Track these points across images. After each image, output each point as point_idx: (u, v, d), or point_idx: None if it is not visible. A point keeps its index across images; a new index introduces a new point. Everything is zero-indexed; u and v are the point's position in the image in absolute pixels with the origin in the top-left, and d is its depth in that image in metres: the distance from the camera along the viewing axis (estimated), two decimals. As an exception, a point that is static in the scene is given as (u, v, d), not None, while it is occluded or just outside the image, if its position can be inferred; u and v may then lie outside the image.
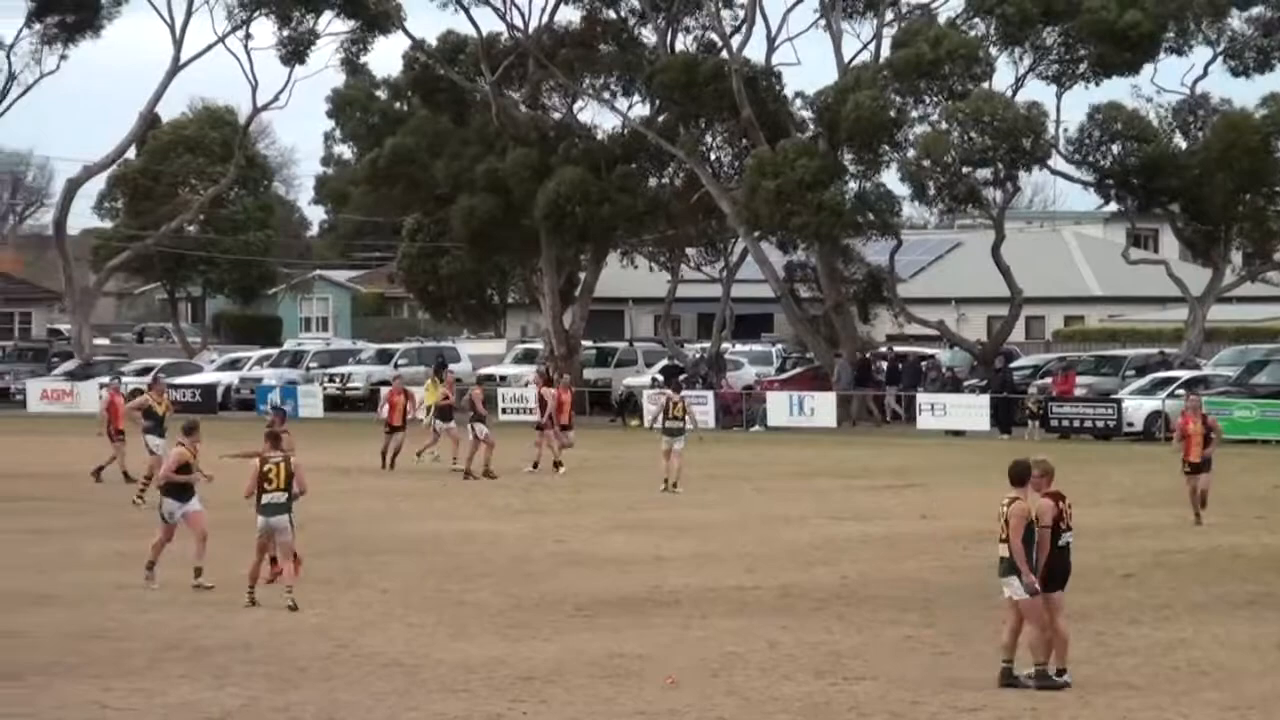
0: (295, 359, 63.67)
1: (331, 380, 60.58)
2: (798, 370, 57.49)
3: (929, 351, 57.51)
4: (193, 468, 21.52)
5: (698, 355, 59.78)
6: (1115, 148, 53.17)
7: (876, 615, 19.57)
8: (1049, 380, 50.27)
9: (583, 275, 62.91)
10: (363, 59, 62.44)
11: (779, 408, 51.79)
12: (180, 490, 21.50)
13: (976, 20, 52.74)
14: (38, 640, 18.21)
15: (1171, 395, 46.25)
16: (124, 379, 44.45)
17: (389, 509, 30.12)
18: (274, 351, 66.84)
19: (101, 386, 40.73)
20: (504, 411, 54.36)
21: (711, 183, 56.67)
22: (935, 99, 51.93)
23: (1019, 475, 15.88)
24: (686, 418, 33.07)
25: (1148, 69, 53.13)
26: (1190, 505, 27.24)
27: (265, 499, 20.03)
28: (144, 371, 62.38)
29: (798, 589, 21.48)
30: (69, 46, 64.59)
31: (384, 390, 42.15)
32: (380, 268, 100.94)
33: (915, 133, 52.59)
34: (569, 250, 61.10)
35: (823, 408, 51.44)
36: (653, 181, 60.81)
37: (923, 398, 50.76)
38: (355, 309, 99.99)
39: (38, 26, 64.35)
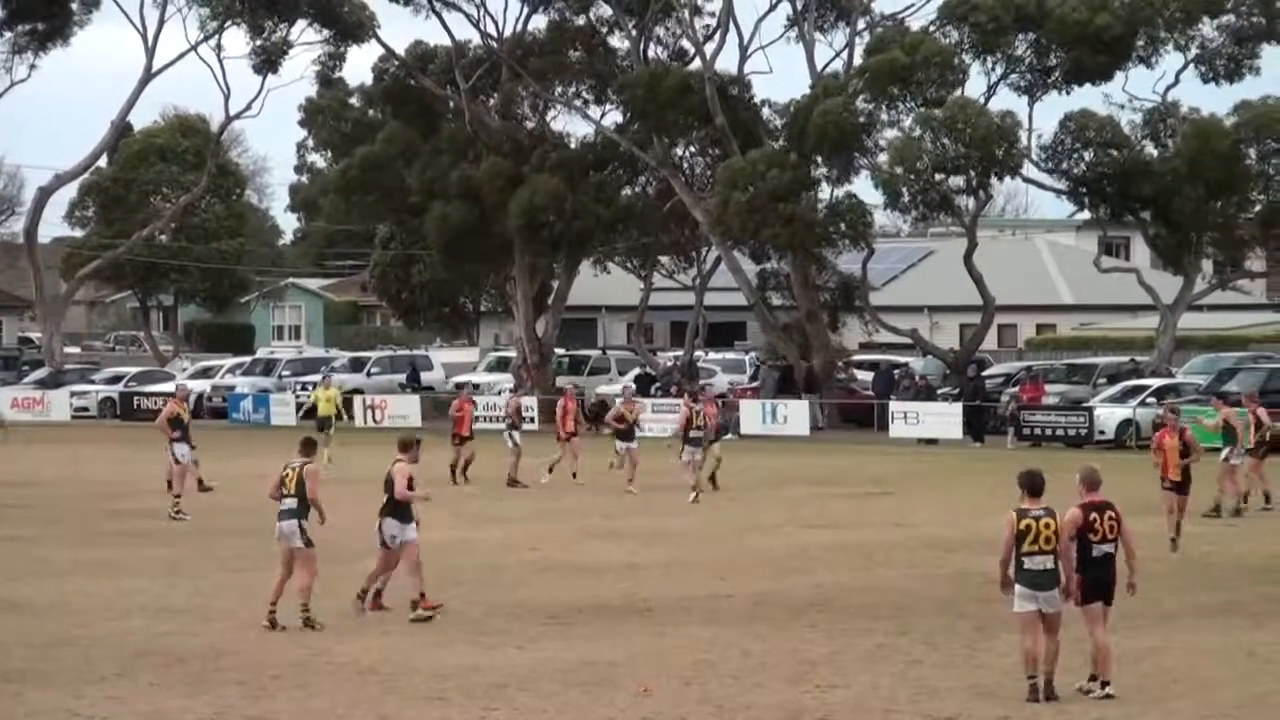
0: (268, 367, 63.54)
1: (304, 389, 60.46)
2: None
3: (902, 360, 57.62)
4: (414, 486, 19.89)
5: (670, 363, 59.81)
6: (1087, 155, 53.36)
7: (850, 623, 19.59)
8: (1018, 389, 50.39)
9: (555, 283, 62.91)
10: (338, 73, 62.34)
11: (752, 416, 51.81)
12: (405, 511, 19.78)
13: (949, 28, 52.87)
14: (7, 648, 18.13)
15: (1143, 404, 46.41)
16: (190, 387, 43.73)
17: (362, 518, 30.02)
18: (246, 360, 66.71)
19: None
20: (476, 420, 54.21)
21: (685, 191, 56.73)
22: (908, 106, 52.04)
23: (1035, 486, 15.66)
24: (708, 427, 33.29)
25: (1119, 77, 53.40)
26: (1166, 520, 25.48)
27: (283, 504, 19.72)
28: (115, 380, 62.35)
29: (771, 597, 21.49)
30: (40, 55, 64.45)
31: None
32: (353, 276, 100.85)
33: (886, 138, 52.74)
34: (542, 258, 61.10)
35: (796, 416, 51.49)
36: (626, 189, 60.87)
37: (895, 406, 50.82)
38: (328, 317, 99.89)
39: (8, 35, 64.18)
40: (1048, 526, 15.39)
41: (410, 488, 19.67)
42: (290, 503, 19.70)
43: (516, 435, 36.20)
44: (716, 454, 33.65)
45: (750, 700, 15.76)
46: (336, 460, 38.10)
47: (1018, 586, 15.46)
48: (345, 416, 45.58)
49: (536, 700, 15.77)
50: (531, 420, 50.17)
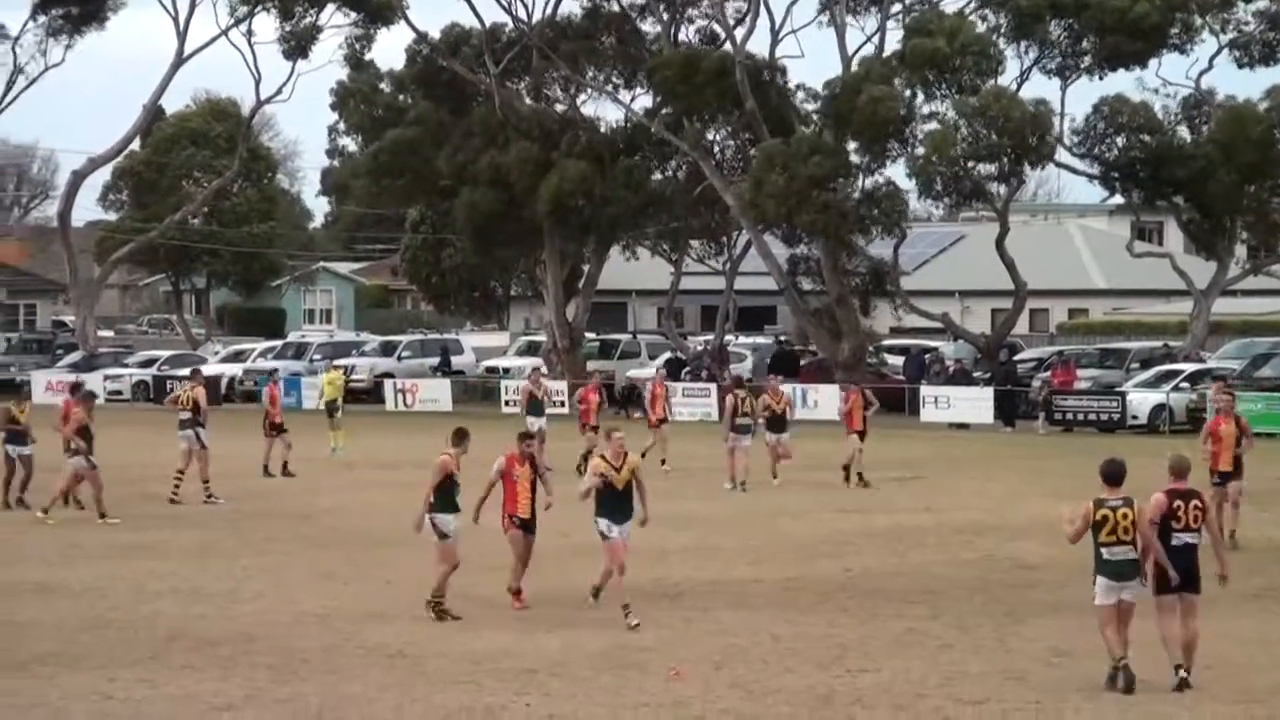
0: (299, 351, 63.68)
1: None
2: (803, 363, 57.50)
3: (933, 344, 57.51)
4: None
5: (701, 347, 59.78)
6: (1120, 140, 53.18)
7: (880, 608, 19.56)
8: (1050, 373, 50.28)
9: (586, 267, 62.90)
10: (367, 55, 62.42)
11: (782, 401, 51.65)
12: (451, 503, 19.17)
13: (986, 12, 52.79)
14: (41, 631, 18.23)
15: (1176, 389, 46.25)
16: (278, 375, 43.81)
17: (393, 501, 30.09)
18: (278, 343, 66.87)
19: (267, 378, 40.70)
20: (506, 404, 54.39)
21: (715, 175, 56.64)
22: (945, 93, 51.96)
23: (1112, 474, 15.43)
24: (754, 415, 32.62)
25: (1152, 62, 53.21)
26: (1221, 516, 22.89)
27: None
28: (148, 364, 62.58)
29: (801, 582, 21.48)
30: (74, 39, 64.65)
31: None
32: (383, 260, 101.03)
33: (923, 129, 52.65)
34: (572, 243, 61.10)
35: (826, 400, 51.38)
36: (656, 174, 60.81)
37: (926, 390, 50.74)
38: (359, 301, 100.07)
39: (43, 19, 64.36)
40: (1125, 517, 15.18)
41: (452, 481, 19.04)
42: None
43: (534, 420, 35.07)
44: (858, 445, 32.30)
45: (780, 684, 15.76)
46: (344, 444, 38.25)
47: (1100, 578, 15.31)
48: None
49: (567, 685, 15.79)
50: (561, 405, 50.18)
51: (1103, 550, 15.27)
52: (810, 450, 36.55)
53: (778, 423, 32.91)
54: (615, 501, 18.47)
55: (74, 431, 27.48)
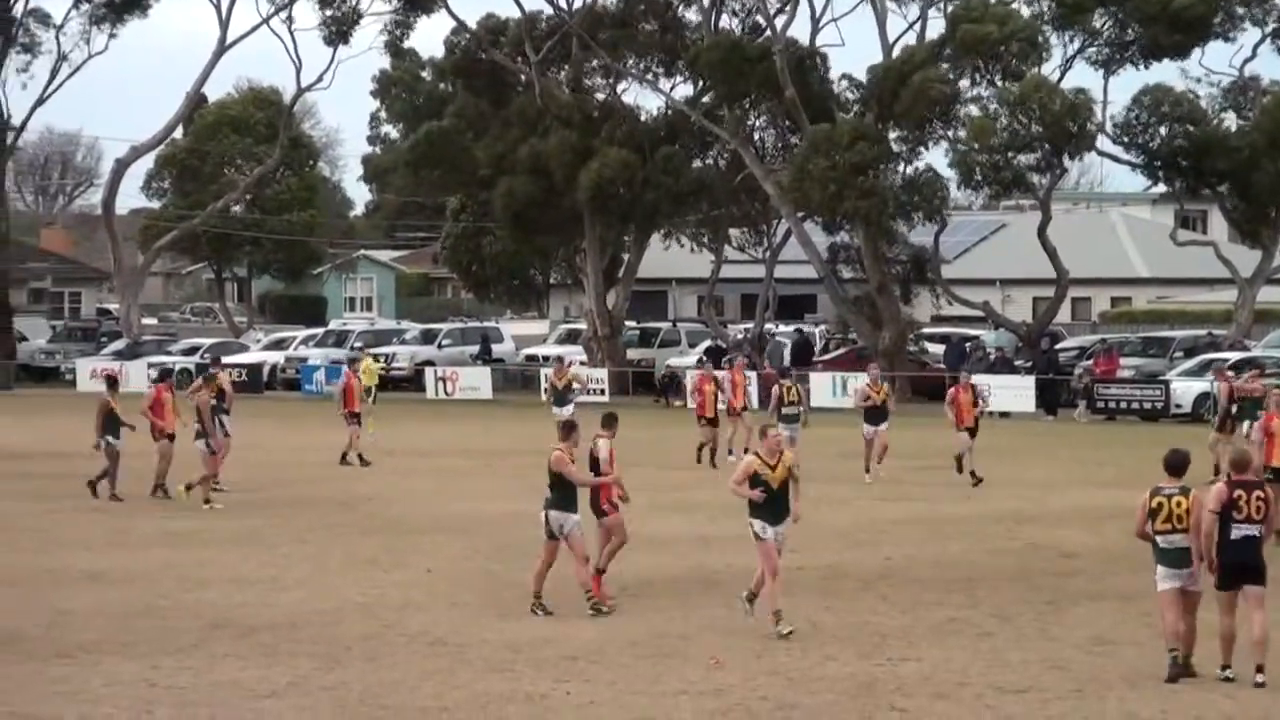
0: (340, 339, 63.91)
1: (376, 360, 60.80)
2: (840, 351, 57.45)
3: (973, 333, 57.38)
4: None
5: (741, 336, 59.76)
6: (1163, 130, 52.96)
7: (920, 596, 19.55)
8: (1092, 362, 50.11)
9: (626, 256, 62.95)
10: (406, 42, 62.58)
11: (821, 389, 51.67)
12: (570, 500, 18.42)
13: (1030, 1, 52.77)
14: (86, 618, 18.36)
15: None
16: (361, 357, 43.20)
17: (434, 489, 30.22)
18: (319, 331, 67.10)
19: (350, 362, 39.72)
20: (545, 392, 54.47)
21: (755, 164, 56.58)
22: (989, 79, 51.89)
23: (1172, 464, 15.23)
24: (801, 403, 32.32)
25: (1195, 52, 52.97)
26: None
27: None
28: (191, 351, 62.87)
29: (841, 570, 21.48)
30: (117, 26, 64.95)
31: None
32: (424, 248, 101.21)
33: (964, 114, 52.54)
34: (612, 231, 61.14)
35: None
36: (696, 162, 60.79)
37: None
38: (399, 289, 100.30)
39: (86, 6, 64.70)
40: (1179, 505, 15.05)
41: (601, 473, 18.68)
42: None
43: (562, 409, 34.77)
44: (969, 443, 30.99)
45: (821, 672, 15.77)
46: (372, 430, 38.35)
47: (1159, 566, 15.24)
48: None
49: (607, 672, 15.83)
50: (602, 392, 50.25)
51: (1159, 538, 15.21)
52: (849, 437, 36.48)
53: (877, 413, 31.89)
54: (771, 501, 17.46)
55: (201, 413, 27.51)
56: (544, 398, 36.81)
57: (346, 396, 33.99)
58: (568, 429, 18.82)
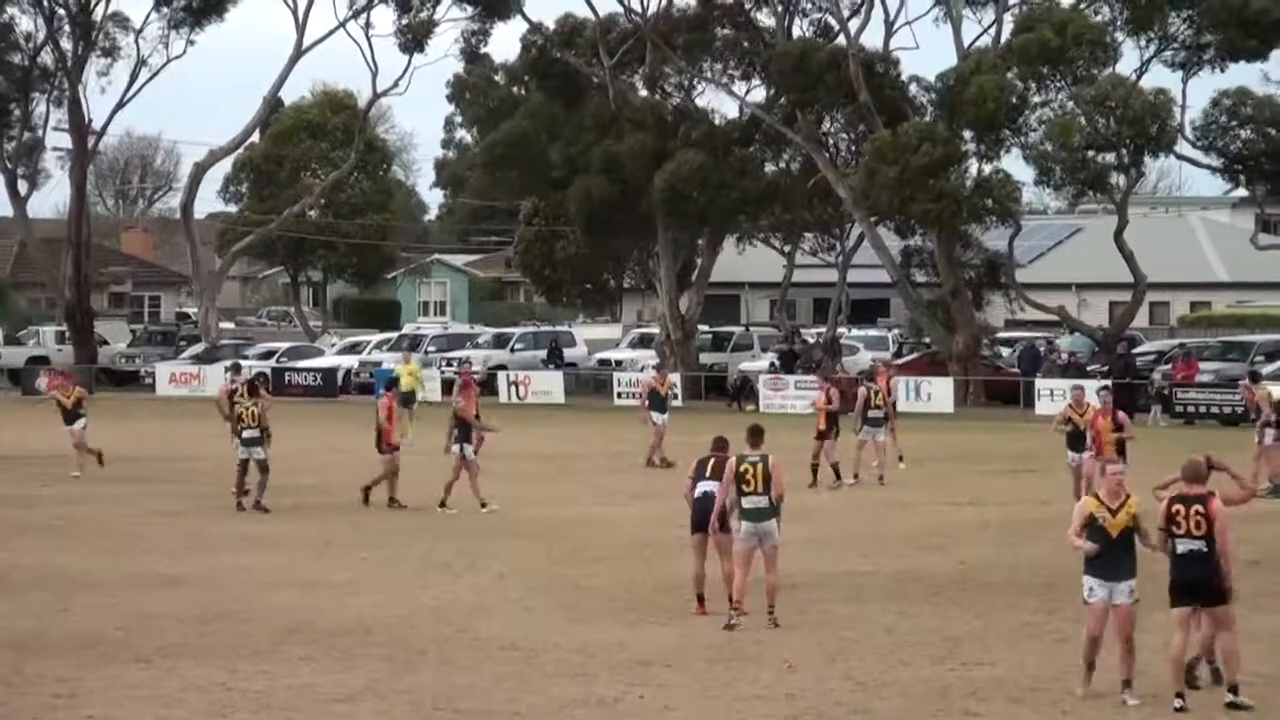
0: (414, 343, 64.18)
1: (449, 364, 61.03)
2: (914, 355, 57.22)
3: (1041, 336, 57.08)
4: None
5: (814, 340, 59.62)
6: (1243, 133, 52.53)
7: (994, 601, 19.46)
8: (1170, 366, 49.74)
9: (699, 260, 62.93)
10: (482, 49, 62.72)
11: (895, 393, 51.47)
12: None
13: (1101, 4, 52.34)
14: (163, 622, 18.51)
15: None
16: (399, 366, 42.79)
17: (505, 493, 30.30)
18: (392, 335, 67.40)
19: (387, 386, 38.57)
20: (619, 396, 54.59)
21: (829, 168, 56.47)
22: (1058, 84, 51.58)
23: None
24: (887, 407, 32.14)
25: (1274, 55, 52.52)
26: None
27: (745, 502, 17.96)
28: (267, 355, 63.34)
29: (914, 574, 21.40)
30: (195, 31, 65.48)
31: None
32: (497, 252, 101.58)
33: (1036, 117, 52.24)
34: (685, 234, 61.14)
35: (940, 392, 51.12)
36: (770, 166, 60.73)
37: (1041, 383, 50.36)
38: (472, 293, 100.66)
39: (165, 11, 65.26)
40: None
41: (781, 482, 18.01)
42: (759, 500, 17.95)
43: (656, 416, 35.08)
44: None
45: (894, 677, 15.72)
46: (415, 436, 38.38)
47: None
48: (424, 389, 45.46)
49: (681, 677, 15.83)
50: (676, 397, 50.13)
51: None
52: (921, 442, 36.36)
53: (878, 419, 31.79)
54: (1108, 552, 14.96)
55: (465, 419, 26.94)
56: (640, 403, 36.80)
57: (384, 430, 28.06)
58: (757, 435, 18.27)
